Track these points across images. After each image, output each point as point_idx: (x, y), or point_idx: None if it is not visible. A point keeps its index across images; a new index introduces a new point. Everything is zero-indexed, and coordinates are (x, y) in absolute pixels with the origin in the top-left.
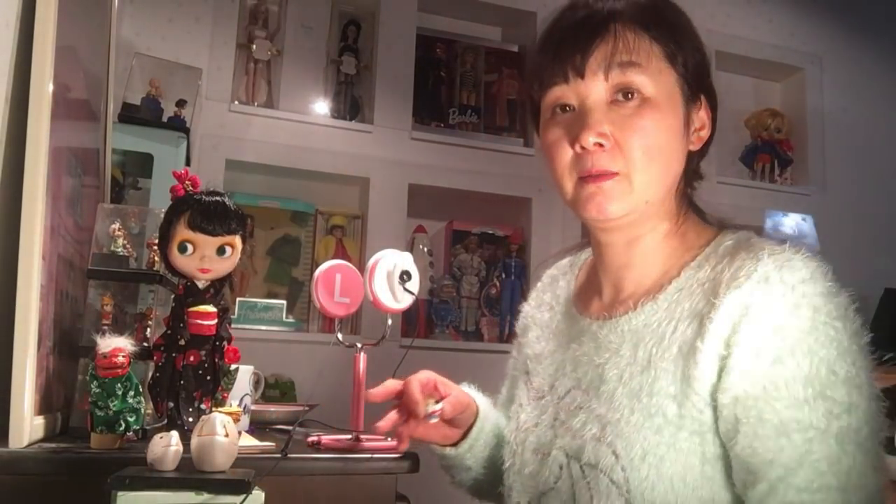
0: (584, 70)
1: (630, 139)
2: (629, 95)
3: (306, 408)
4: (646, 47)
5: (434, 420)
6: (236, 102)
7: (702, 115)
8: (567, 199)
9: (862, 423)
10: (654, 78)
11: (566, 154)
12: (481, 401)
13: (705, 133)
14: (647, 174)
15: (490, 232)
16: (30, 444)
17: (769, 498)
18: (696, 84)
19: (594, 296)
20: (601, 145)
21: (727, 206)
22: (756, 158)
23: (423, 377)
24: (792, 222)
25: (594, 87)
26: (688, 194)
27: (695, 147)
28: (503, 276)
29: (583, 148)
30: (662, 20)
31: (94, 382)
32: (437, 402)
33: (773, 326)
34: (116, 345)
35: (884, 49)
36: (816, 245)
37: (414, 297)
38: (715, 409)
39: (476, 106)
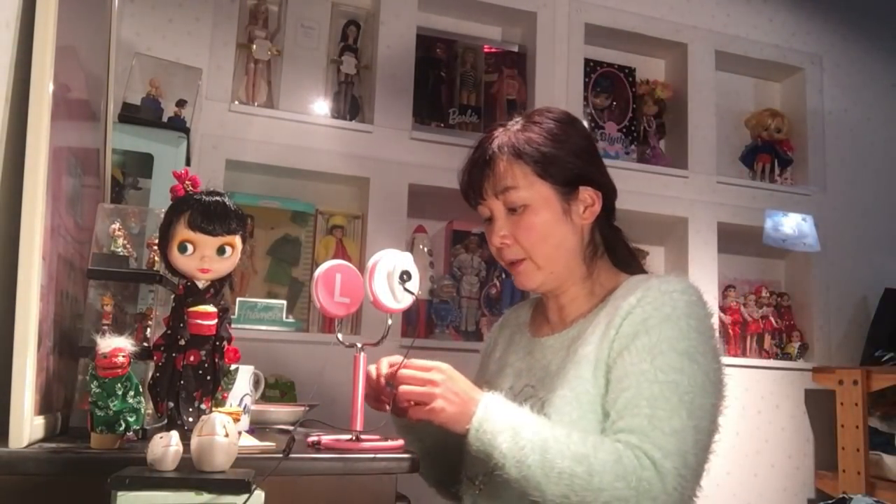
0: (484, 196)
1: (522, 237)
2: (514, 209)
3: (306, 408)
4: (518, 171)
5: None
6: (236, 102)
7: (586, 197)
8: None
9: (687, 384)
10: (528, 191)
11: (494, 250)
12: None
13: (596, 206)
14: (542, 255)
15: None
16: (30, 444)
17: (611, 426)
18: (570, 182)
19: (543, 323)
20: (506, 244)
21: (727, 206)
22: (756, 158)
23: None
24: (792, 222)
25: (494, 205)
26: (599, 253)
27: (587, 221)
28: (503, 276)
29: (496, 245)
30: (529, 149)
31: (94, 382)
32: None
33: (642, 317)
34: (116, 345)
35: (884, 49)
36: (816, 245)
37: (414, 297)
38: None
39: (476, 106)
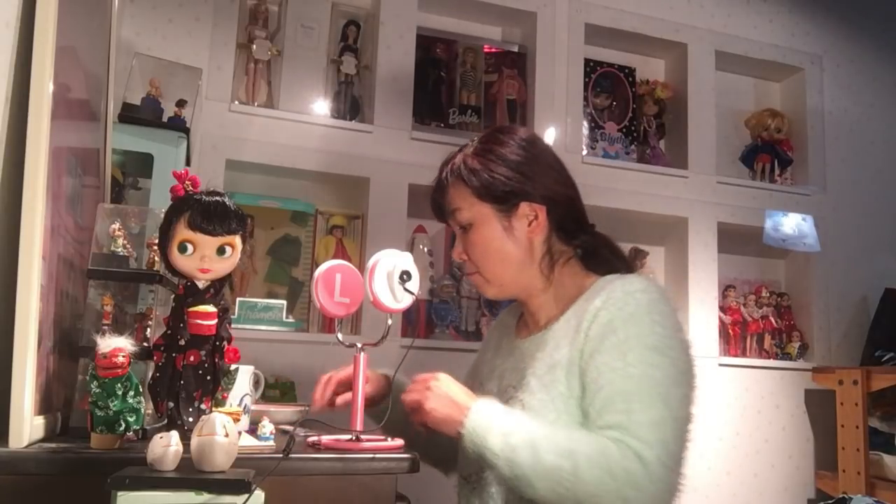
0: (445, 216)
1: (470, 251)
2: (464, 227)
3: (306, 408)
4: (460, 194)
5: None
6: (236, 102)
7: (528, 212)
8: None
9: (659, 376)
10: (470, 211)
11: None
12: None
13: (541, 219)
14: (488, 269)
15: None
16: (30, 444)
17: (591, 426)
18: (506, 200)
19: (524, 326)
20: (463, 259)
21: (727, 206)
22: (756, 158)
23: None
24: (792, 222)
25: (454, 225)
26: (559, 261)
27: (535, 234)
28: None
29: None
30: (469, 172)
31: (94, 382)
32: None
33: (608, 318)
34: (116, 345)
35: (884, 49)
36: (816, 245)
37: (414, 297)
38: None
39: (476, 106)
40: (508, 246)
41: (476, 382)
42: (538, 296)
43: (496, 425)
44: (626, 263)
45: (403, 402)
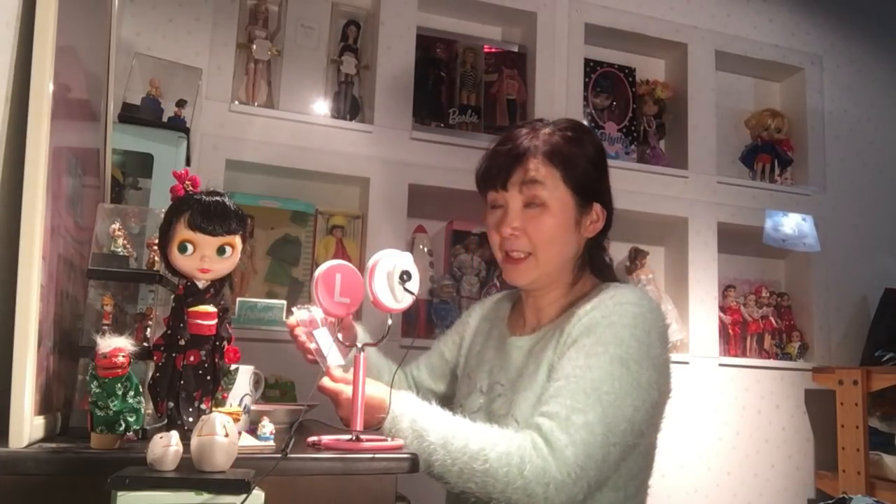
0: (506, 185)
1: (534, 231)
2: (534, 203)
3: (305, 407)
4: (547, 172)
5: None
6: (236, 102)
7: (594, 213)
8: (499, 264)
9: (611, 386)
10: (551, 192)
11: (496, 237)
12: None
13: (600, 224)
14: (546, 254)
15: None
16: (30, 444)
17: (537, 410)
18: (587, 195)
19: (519, 322)
20: (516, 235)
21: (727, 206)
22: (756, 158)
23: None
24: (792, 222)
25: (512, 196)
26: (586, 265)
27: (589, 234)
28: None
29: (504, 235)
30: (562, 155)
31: (94, 382)
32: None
33: (590, 322)
34: (116, 345)
35: (884, 49)
36: (816, 245)
37: (414, 297)
38: None
39: (476, 106)
40: (570, 239)
41: (464, 373)
42: (557, 292)
43: (410, 427)
44: (613, 275)
45: (321, 389)
